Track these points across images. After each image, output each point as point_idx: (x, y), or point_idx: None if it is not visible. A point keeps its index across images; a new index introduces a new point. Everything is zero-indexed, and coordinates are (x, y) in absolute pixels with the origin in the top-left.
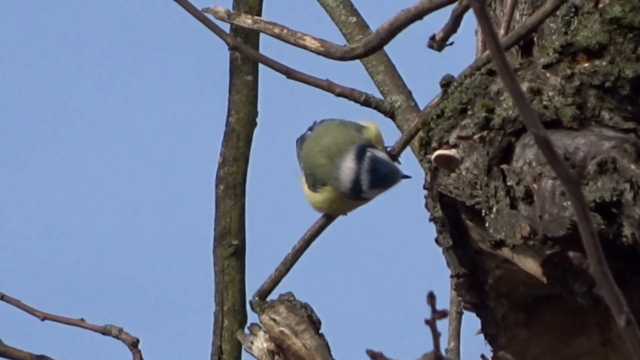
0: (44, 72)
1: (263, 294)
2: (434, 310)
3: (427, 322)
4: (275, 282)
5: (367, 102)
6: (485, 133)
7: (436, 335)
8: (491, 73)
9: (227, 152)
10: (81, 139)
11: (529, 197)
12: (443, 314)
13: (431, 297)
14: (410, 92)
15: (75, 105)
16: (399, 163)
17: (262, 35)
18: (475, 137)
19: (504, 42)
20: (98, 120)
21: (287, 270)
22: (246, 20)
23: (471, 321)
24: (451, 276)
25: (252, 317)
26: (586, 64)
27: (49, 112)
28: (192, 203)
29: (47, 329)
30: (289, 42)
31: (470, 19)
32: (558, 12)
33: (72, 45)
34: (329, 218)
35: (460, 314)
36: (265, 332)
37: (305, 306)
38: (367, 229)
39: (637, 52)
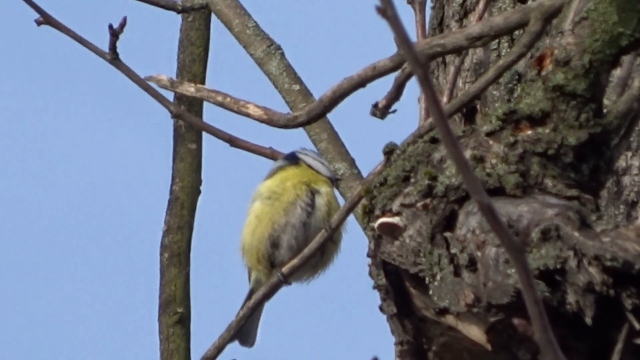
0: None
1: None
2: None
3: None
4: (219, 349)
5: None
6: (428, 201)
7: None
8: (434, 141)
9: (171, 220)
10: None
11: (472, 264)
12: None
13: None
14: (353, 160)
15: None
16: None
17: (205, 103)
18: (419, 204)
19: (447, 109)
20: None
21: (232, 337)
22: (189, 89)
23: None
24: (395, 343)
25: None
26: (529, 132)
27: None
28: (136, 271)
29: None
30: (232, 110)
31: (413, 87)
32: (501, 80)
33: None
34: (273, 287)
35: None
36: None
37: None
38: (311, 296)
39: (580, 120)
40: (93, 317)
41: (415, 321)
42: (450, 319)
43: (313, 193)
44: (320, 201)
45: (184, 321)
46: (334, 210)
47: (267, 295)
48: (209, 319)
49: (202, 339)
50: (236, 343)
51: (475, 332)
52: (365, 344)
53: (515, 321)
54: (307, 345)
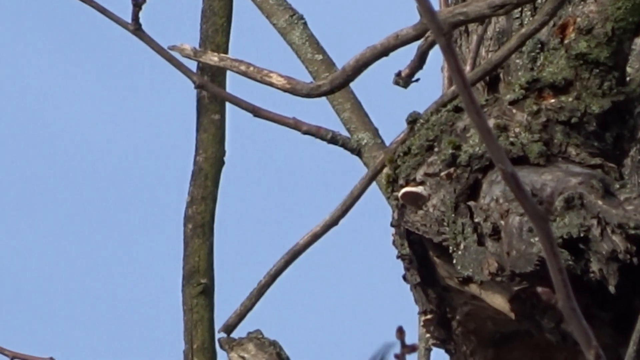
0: None
1: (229, 328)
2: (403, 344)
3: (396, 356)
4: (240, 316)
5: (333, 139)
6: (452, 170)
7: None
8: (458, 110)
9: (195, 191)
10: (52, 182)
11: (496, 233)
12: (412, 349)
13: (400, 332)
14: (376, 130)
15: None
16: None
17: (229, 74)
18: (442, 174)
19: (470, 78)
20: (69, 159)
21: (253, 305)
22: (212, 58)
23: (440, 357)
24: (419, 313)
25: (221, 355)
26: (552, 100)
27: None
28: (160, 242)
29: None
30: (255, 79)
31: (436, 56)
32: (524, 48)
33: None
34: (293, 254)
35: (428, 350)
36: None
37: (274, 344)
38: (335, 265)
39: (603, 88)
40: (117, 289)
41: (439, 290)
42: (473, 288)
43: None
44: None
45: (208, 292)
46: None
47: (288, 262)
48: (233, 289)
49: (226, 309)
50: (259, 310)
51: (498, 301)
52: (390, 313)
53: (539, 290)
54: (330, 316)
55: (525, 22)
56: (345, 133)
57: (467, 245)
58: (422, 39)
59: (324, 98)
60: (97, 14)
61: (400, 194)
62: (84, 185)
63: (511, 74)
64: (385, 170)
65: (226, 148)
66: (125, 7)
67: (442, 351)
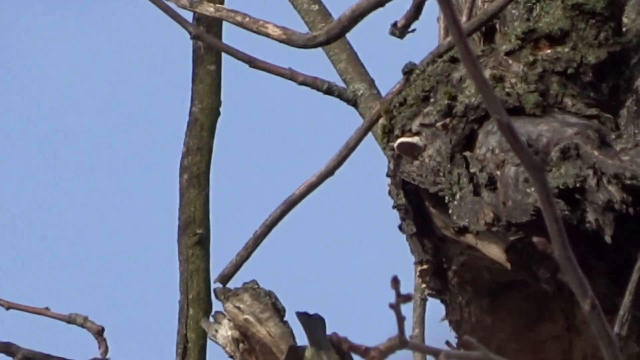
0: None
1: (224, 278)
2: (398, 294)
3: (391, 306)
4: (236, 267)
5: (329, 90)
6: (447, 120)
7: (400, 319)
8: (453, 60)
9: (190, 142)
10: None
11: (492, 183)
12: (407, 298)
13: (395, 282)
14: (372, 80)
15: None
16: None
17: (224, 24)
18: (438, 124)
19: (466, 28)
20: (64, 109)
21: (249, 255)
22: (208, 9)
23: (436, 308)
24: (415, 263)
25: (217, 305)
26: (548, 51)
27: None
28: (156, 193)
29: (12, 318)
30: (251, 29)
31: (432, 6)
32: None
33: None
34: (289, 204)
35: (424, 300)
36: (229, 320)
37: (269, 294)
38: (331, 214)
39: (599, 39)
40: (112, 239)
41: (434, 240)
42: (469, 238)
43: None
44: None
45: (204, 242)
46: None
47: (284, 212)
48: (229, 240)
49: (221, 260)
50: (255, 261)
51: (494, 251)
52: (385, 264)
53: (535, 240)
54: (326, 266)
55: None
56: (341, 84)
57: (463, 196)
58: None
59: (319, 49)
60: None
61: (396, 144)
62: (79, 135)
63: (507, 25)
64: (381, 120)
65: (222, 99)
66: None
67: (438, 301)
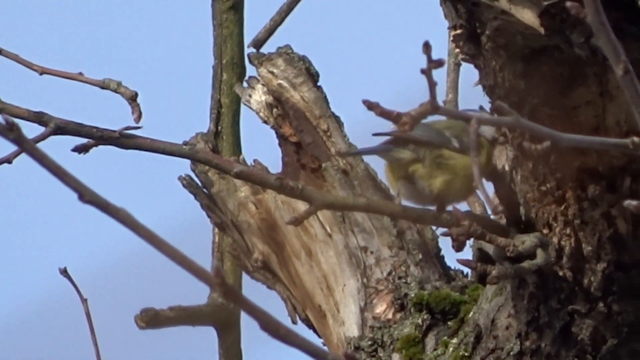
0: None
1: (258, 43)
2: (429, 59)
3: (423, 71)
4: (270, 31)
5: None
6: None
7: (432, 85)
8: None
9: None
10: None
11: None
12: (439, 63)
13: (427, 47)
14: None
15: None
16: None
17: None
18: None
19: None
20: None
21: (282, 20)
22: None
23: (469, 73)
24: (449, 28)
25: (250, 70)
26: None
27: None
28: None
29: (45, 83)
30: None
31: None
32: None
33: None
34: None
35: (458, 65)
36: (263, 85)
37: (303, 59)
38: None
39: None
40: (145, 3)
41: (468, 5)
42: (503, 3)
43: None
44: None
45: (238, 7)
46: None
47: None
48: (263, 4)
49: (255, 24)
50: (287, 26)
51: (528, 16)
52: (419, 29)
53: (569, 4)
54: (359, 31)
55: None
56: None
57: None
58: None
59: None
60: None
61: None
62: None
63: None
64: None
65: None
66: None
67: (471, 66)
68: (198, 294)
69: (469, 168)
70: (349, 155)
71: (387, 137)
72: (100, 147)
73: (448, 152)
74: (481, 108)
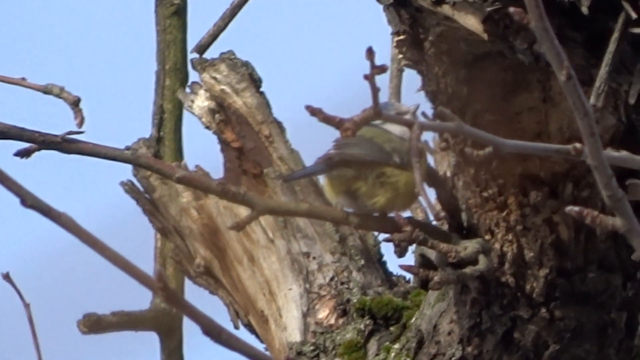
0: None
1: (201, 48)
2: (372, 65)
3: (366, 77)
4: (213, 37)
5: None
6: None
7: (375, 91)
8: None
9: None
10: None
11: None
12: (382, 69)
13: (370, 52)
14: None
15: None
16: None
17: None
18: None
19: None
20: None
21: (226, 25)
22: None
23: (412, 78)
24: (392, 33)
25: (193, 76)
26: None
27: None
28: None
29: None
30: None
31: None
32: None
33: None
34: None
35: (401, 71)
36: (206, 90)
37: (246, 64)
38: None
39: None
40: (88, 9)
41: (411, 11)
42: (446, 9)
43: None
44: None
45: (181, 12)
46: None
47: None
48: (206, 10)
49: (198, 30)
50: (230, 32)
51: (471, 22)
52: (362, 35)
53: (512, 10)
54: (302, 37)
55: None
56: None
57: None
58: None
59: None
60: None
61: None
62: None
63: None
64: None
65: None
66: None
67: (414, 72)
68: (141, 299)
69: (410, 184)
70: (292, 179)
71: (328, 152)
72: (43, 151)
73: (390, 170)
74: (423, 114)
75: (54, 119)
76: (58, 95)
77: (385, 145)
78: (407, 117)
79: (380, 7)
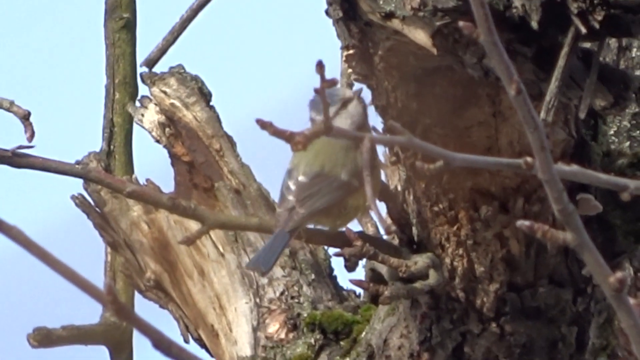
0: None
1: (151, 62)
2: (322, 79)
3: (316, 90)
4: (162, 51)
5: None
6: None
7: (325, 105)
8: None
9: None
10: None
11: None
12: (332, 83)
13: (320, 66)
14: None
15: None
16: None
17: None
18: None
19: None
20: None
21: (175, 39)
22: None
23: (362, 93)
24: (341, 47)
25: (143, 89)
26: None
27: None
28: None
29: None
30: None
31: None
32: None
33: None
34: None
35: (350, 85)
36: (156, 104)
37: (195, 78)
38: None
39: None
40: (37, 24)
41: (361, 25)
42: (396, 23)
43: None
44: None
45: (130, 26)
46: None
47: None
48: (155, 24)
49: (148, 44)
50: (180, 46)
51: (421, 36)
52: (311, 49)
53: (461, 24)
54: (251, 51)
55: None
56: None
57: None
58: None
59: None
60: None
61: None
62: None
63: None
64: None
65: None
66: None
67: (364, 86)
68: (91, 313)
69: (360, 208)
70: (268, 269)
71: (293, 214)
72: None
73: (350, 202)
74: (373, 129)
75: (4, 133)
76: (8, 109)
77: (338, 172)
78: (353, 103)
79: (330, 20)
